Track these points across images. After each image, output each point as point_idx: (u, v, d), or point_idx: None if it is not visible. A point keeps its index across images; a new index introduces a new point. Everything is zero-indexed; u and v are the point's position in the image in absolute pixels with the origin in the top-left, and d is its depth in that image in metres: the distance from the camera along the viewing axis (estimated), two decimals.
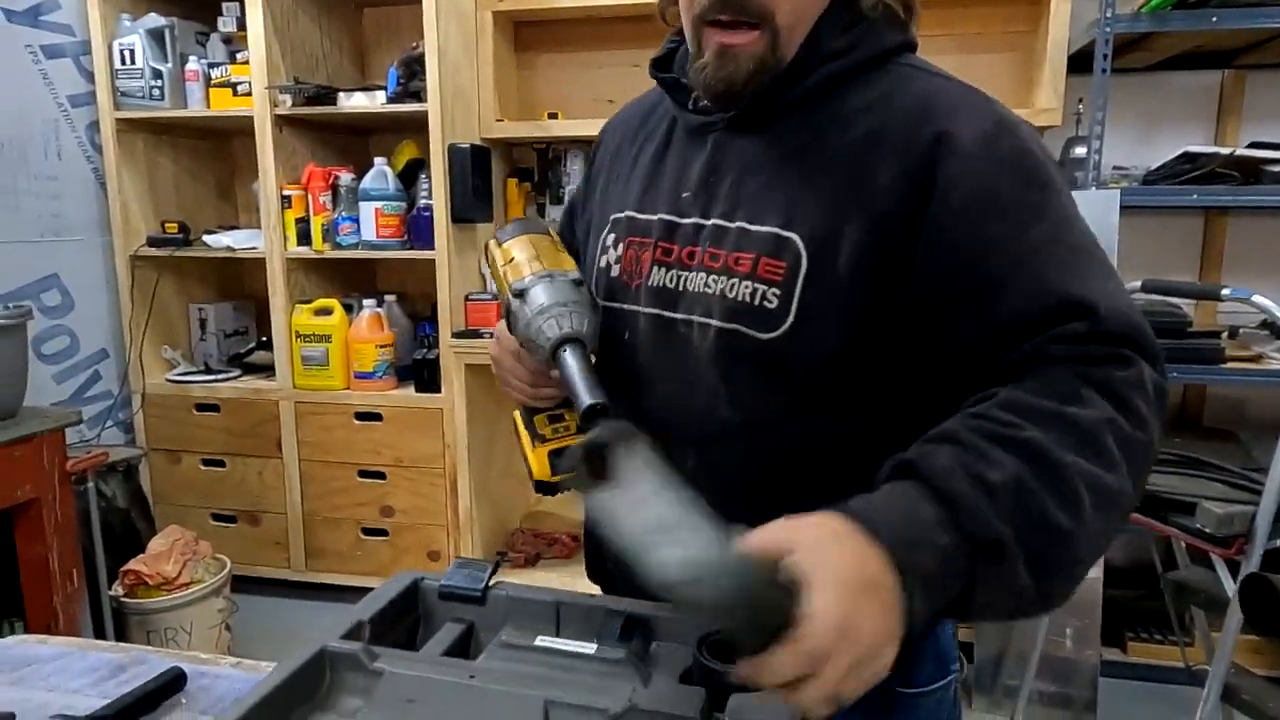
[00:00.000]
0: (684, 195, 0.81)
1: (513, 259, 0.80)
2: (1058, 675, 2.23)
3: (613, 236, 0.86)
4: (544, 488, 0.84)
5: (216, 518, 2.86)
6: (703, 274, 0.77)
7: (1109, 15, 2.15)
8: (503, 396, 0.90)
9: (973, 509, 0.54)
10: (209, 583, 2.31)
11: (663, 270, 0.81)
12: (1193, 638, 2.30)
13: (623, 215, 0.86)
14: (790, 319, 0.71)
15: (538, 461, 0.83)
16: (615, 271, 0.85)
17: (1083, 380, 0.60)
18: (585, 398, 0.70)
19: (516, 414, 0.89)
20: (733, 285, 0.74)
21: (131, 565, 2.26)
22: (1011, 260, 0.64)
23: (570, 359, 0.74)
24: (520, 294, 0.77)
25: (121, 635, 2.24)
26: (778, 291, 0.72)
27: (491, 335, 0.94)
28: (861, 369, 0.71)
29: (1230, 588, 1.47)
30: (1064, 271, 0.64)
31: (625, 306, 0.84)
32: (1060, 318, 0.62)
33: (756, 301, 0.73)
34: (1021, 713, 2.08)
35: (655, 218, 0.83)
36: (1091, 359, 0.61)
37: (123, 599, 2.24)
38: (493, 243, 0.86)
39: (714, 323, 0.75)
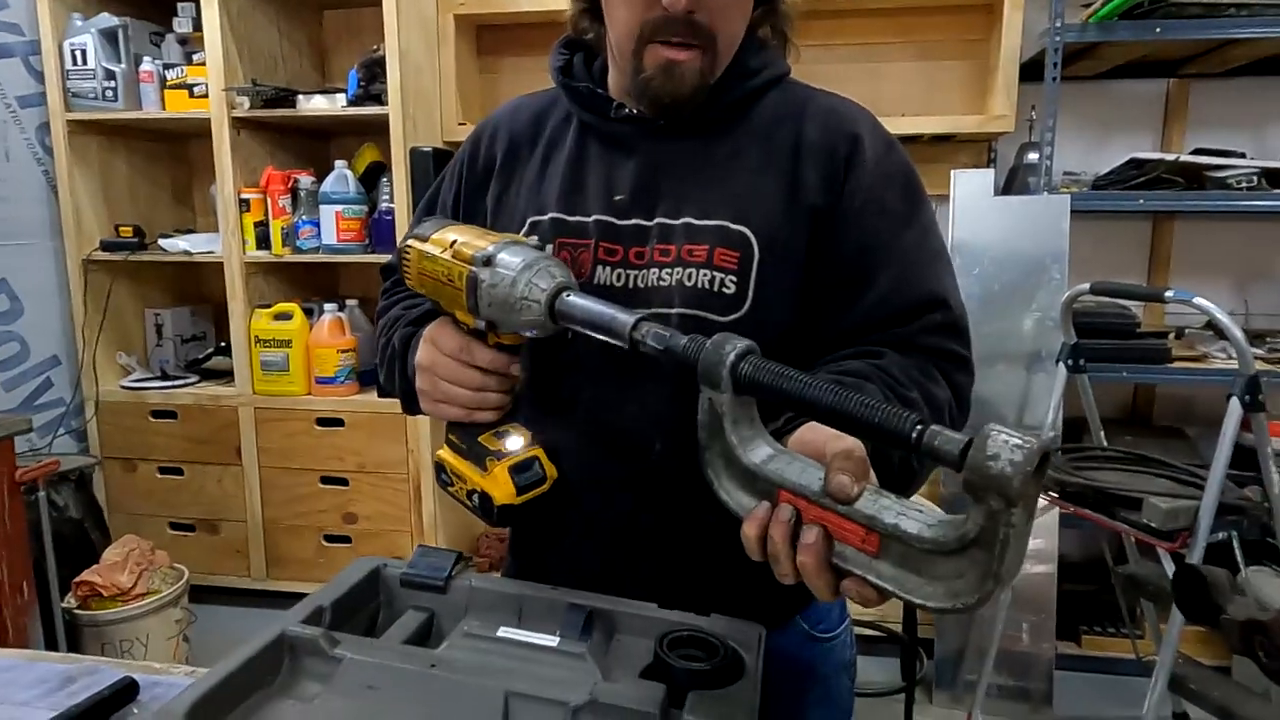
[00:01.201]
0: (617, 198, 0.85)
1: (454, 241, 0.73)
2: (1015, 669, 2.28)
3: (535, 238, 0.84)
4: (505, 516, 0.75)
5: (174, 526, 2.81)
6: (655, 269, 0.82)
7: (1058, 25, 2.21)
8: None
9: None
10: (166, 593, 2.27)
11: (608, 269, 0.84)
12: (1144, 630, 2.37)
13: (545, 218, 0.86)
14: (748, 302, 0.80)
15: (501, 483, 0.75)
16: None
17: (939, 370, 0.78)
18: (628, 317, 0.63)
19: (444, 452, 0.81)
20: (690, 274, 0.80)
21: (85, 576, 2.20)
22: (887, 255, 0.81)
23: (580, 299, 0.67)
24: (487, 261, 0.69)
25: (74, 648, 2.18)
26: (734, 278, 0.80)
27: None
28: (804, 337, 0.82)
29: (1214, 568, 1.51)
30: (926, 270, 0.81)
31: None
32: (924, 309, 0.79)
33: (716, 288, 0.80)
34: (979, 706, 2.12)
35: (590, 219, 0.85)
36: (944, 355, 0.79)
37: (76, 611, 2.19)
38: (415, 241, 0.77)
39: (673, 311, 0.80)
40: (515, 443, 0.78)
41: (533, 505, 0.77)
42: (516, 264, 0.68)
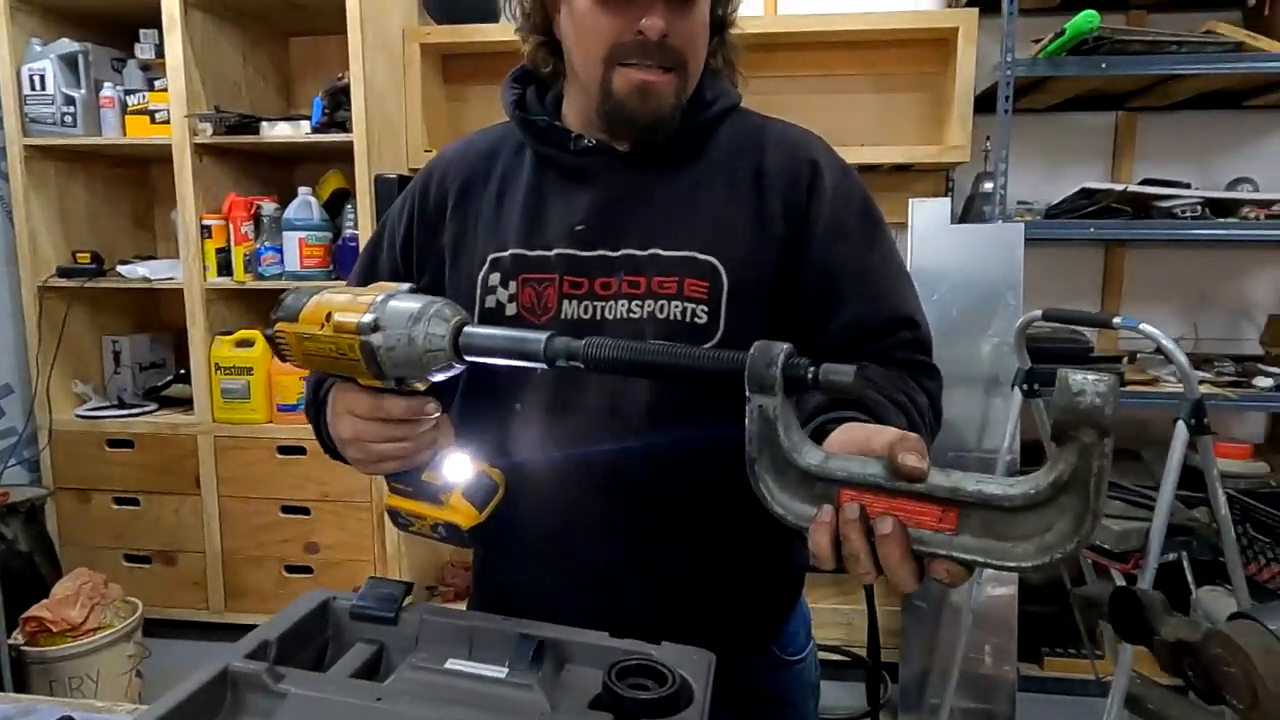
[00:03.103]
0: (578, 229, 0.85)
1: (330, 314, 0.68)
2: (978, 692, 2.29)
3: (498, 275, 0.86)
4: (477, 533, 0.76)
5: (130, 559, 2.74)
6: (624, 301, 0.82)
7: (1010, 59, 2.28)
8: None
9: None
10: (119, 627, 2.21)
11: (574, 303, 0.84)
12: (1104, 650, 2.40)
13: (505, 254, 0.86)
14: (720, 332, 0.81)
15: (461, 510, 0.75)
16: (512, 310, 0.85)
17: (915, 380, 0.83)
18: (538, 335, 0.63)
19: (393, 500, 0.79)
20: (661, 306, 0.81)
21: (33, 611, 2.14)
22: (855, 277, 0.84)
23: (482, 330, 0.66)
24: (374, 327, 0.66)
25: (22, 686, 2.11)
26: (705, 308, 0.81)
27: None
28: None
29: (1147, 590, 1.54)
30: (892, 290, 0.86)
31: None
32: (895, 327, 0.84)
33: (688, 319, 0.81)
34: None
35: (552, 254, 0.85)
36: (916, 366, 0.84)
37: (24, 647, 2.12)
38: (284, 324, 0.71)
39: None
40: (458, 468, 0.77)
41: (496, 513, 0.78)
42: (405, 319, 0.66)
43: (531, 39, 0.90)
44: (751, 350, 0.57)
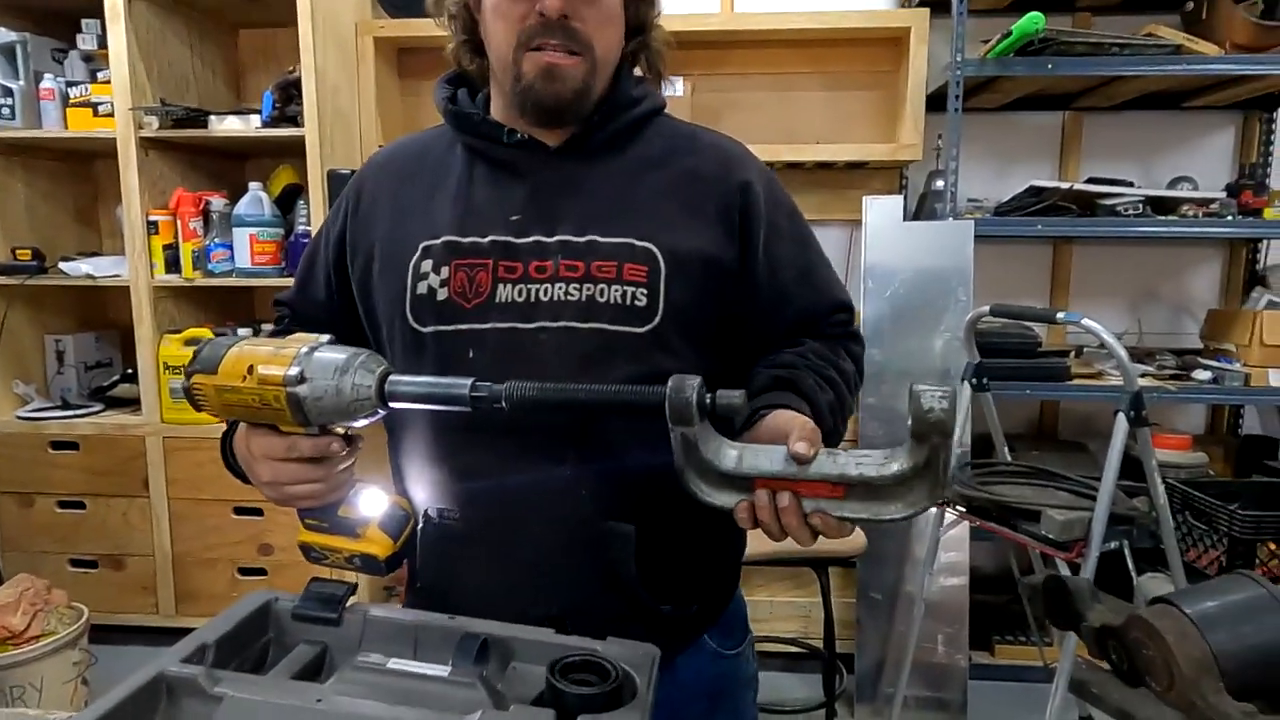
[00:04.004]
0: (513, 218, 0.87)
1: (252, 367, 0.69)
2: (931, 680, 2.34)
3: (430, 262, 0.87)
4: (391, 563, 0.78)
5: (75, 564, 2.67)
6: (561, 284, 0.84)
7: (959, 60, 2.32)
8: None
9: (822, 409, 0.86)
10: (63, 634, 2.15)
11: (509, 286, 0.85)
12: (1052, 638, 2.46)
13: (437, 241, 0.88)
14: (659, 314, 0.85)
15: (377, 540, 0.77)
16: (443, 294, 0.86)
17: (845, 349, 0.96)
18: (464, 382, 0.68)
19: (306, 536, 0.80)
20: (601, 290, 0.84)
21: None
22: (798, 276, 0.94)
23: (407, 380, 0.70)
24: (300, 379, 0.68)
25: None
26: (645, 291, 0.85)
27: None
28: (710, 337, 0.90)
29: (1075, 577, 1.58)
30: (827, 282, 0.97)
31: (465, 326, 0.86)
32: (833, 312, 0.96)
33: (628, 302, 0.84)
34: (897, 718, 2.17)
35: (486, 240, 0.87)
36: (848, 336, 0.97)
37: None
38: (202, 376, 0.71)
39: (582, 325, 0.84)
40: (372, 502, 0.79)
41: (410, 539, 0.81)
42: (332, 371, 0.68)
43: (455, 38, 0.94)
44: (668, 388, 0.66)
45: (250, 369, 0.70)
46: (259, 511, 2.57)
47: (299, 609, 0.74)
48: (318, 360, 0.69)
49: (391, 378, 0.70)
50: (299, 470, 0.74)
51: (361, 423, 0.72)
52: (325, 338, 0.72)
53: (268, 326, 2.79)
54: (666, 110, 0.98)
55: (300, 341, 0.71)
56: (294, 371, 0.68)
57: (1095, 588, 1.07)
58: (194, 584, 2.65)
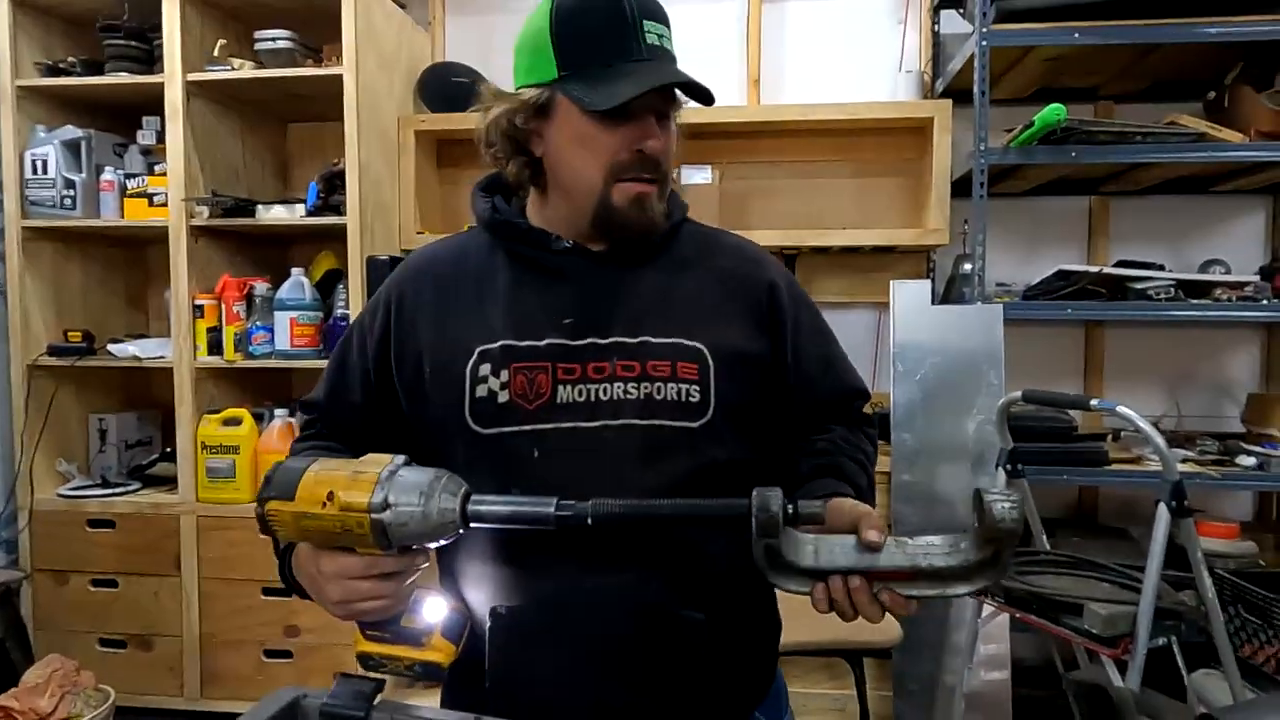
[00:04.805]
0: (565, 321, 0.91)
1: (332, 494, 0.70)
2: None
3: (488, 366, 0.90)
4: (452, 669, 0.79)
5: (104, 643, 2.67)
6: (620, 384, 0.88)
7: (982, 148, 2.37)
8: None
9: (863, 489, 0.95)
10: (89, 717, 2.15)
11: (569, 387, 0.89)
12: None
13: (494, 346, 0.91)
14: (711, 409, 0.90)
15: (441, 648, 0.78)
16: (504, 397, 0.89)
17: (864, 435, 1.04)
18: (548, 501, 0.70)
19: (366, 645, 0.80)
20: (658, 388, 0.89)
21: (1, 701, 2.08)
22: (823, 364, 1.03)
23: (489, 501, 0.71)
24: (385, 505, 0.69)
25: None
26: (698, 388, 0.90)
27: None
28: (753, 426, 0.96)
29: (1119, 686, 1.52)
30: (846, 370, 1.06)
31: (528, 427, 0.88)
32: (853, 398, 1.05)
33: (683, 398, 0.90)
34: None
35: (543, 343, 0.90)
36: (864, 422, 1.06)
37: None
38: (278, 503, 0.72)
39: (642, 422, 0.88)
40: (434, 610, 0.79)
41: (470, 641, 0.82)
42: (416, 496, 0.69)
43: (515, 160, 0.97)
44: (753, 504, 0.68)
45: (330, 495, 0.70)
46: (288, 593, 2.55)
47: (327, 706, 0.74)
48: (399, 484, 0.70)
49: (474, 498, 0.71)
50: (372, 587, 0.75)
51: (441, 543, 0.73)
52: (401, 459, 0.73)
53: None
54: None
55: (377, 464, 0.71)
56: (378, 499, 0.69)
57: (1140, 694, 1.03)
58: (220, 665, 2.63)
